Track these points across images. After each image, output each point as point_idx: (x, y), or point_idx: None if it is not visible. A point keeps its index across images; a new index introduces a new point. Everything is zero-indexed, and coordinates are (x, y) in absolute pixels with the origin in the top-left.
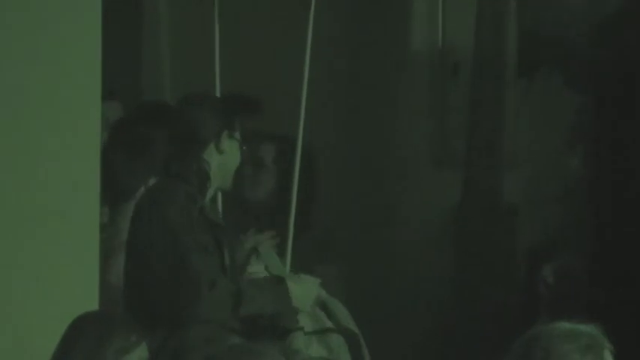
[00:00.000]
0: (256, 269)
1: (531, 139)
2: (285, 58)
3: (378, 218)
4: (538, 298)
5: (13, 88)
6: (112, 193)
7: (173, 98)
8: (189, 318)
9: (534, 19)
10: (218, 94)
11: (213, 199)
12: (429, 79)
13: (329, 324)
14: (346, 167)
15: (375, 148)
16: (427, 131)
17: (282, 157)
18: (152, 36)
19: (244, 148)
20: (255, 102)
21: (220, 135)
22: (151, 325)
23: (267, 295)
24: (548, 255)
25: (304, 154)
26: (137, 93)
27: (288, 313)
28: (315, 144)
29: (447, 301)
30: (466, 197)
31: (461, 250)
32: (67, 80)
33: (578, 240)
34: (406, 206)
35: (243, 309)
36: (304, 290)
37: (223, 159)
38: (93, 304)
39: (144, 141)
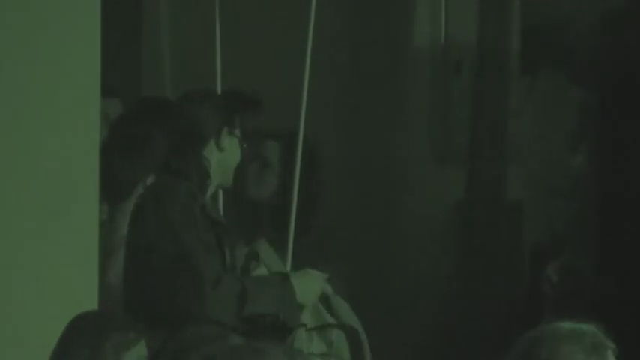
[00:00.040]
0: (260, 272)
1: (534, 136)
2: (287, 54)
3: (380, 216)
4: (542, 297)
5: (12, 86)
6: (112, 190)
7: (173, 95)
8: (192, 317)
9: (538, 16)
10: (219, 92)
11: (214, 197)
12: (431, 76)
13: (330, 319)
14: (348, 164)
15: (377, 145)
16: (430, 128)
17: (289, 157)
18: (152, 33)
19: (245, 145)
20: (255, 99)
21: (220, 132)
22: (152, 325)
23: (272, 293)
24: (552, 252)
25: (307, 153)
26: (138, 90)
27: (292, 311)
28: (317, 141)
29: (450, 299)
30: (469, 194)
31: (464, 246)
32: (66, 77)
33: (582, 237)
34: (409, 203)
35: (248, 308)
36: (309, 286)
37: (223, 156)
38: (92, 303)
39: (144, 137)
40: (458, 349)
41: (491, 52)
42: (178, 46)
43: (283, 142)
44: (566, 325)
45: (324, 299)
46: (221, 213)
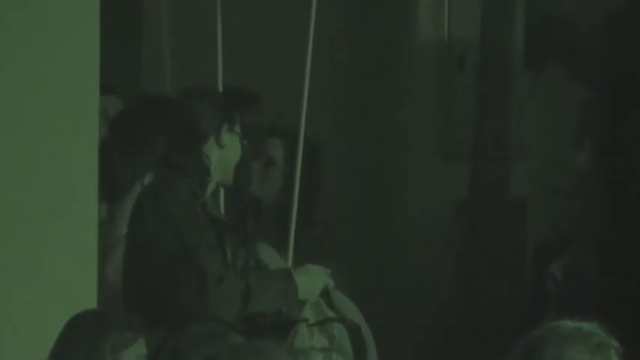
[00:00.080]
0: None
1: (538, 132)
2: (288, 52)
3: (382, 213)
4: (546, 296)
5: (11, 84)
6: (111, 188)
7: (174, 92)
8: (195, 316)
9: (542, 11)
10: (220, 89)
11: (215, 195)
12: (435, 72)
13: (330, 314)
14: (350, 161)
15: (380, 141)
16: (433, 123)
17: (293, 155)
18: (153, 31)
19: (245, 142)
20: (255, 95)
21: (220, 129)
22: (152, 323)
23: (275, 290)
24: (557, 250)
25: (309, 149)
26: (137, 87)
27: (295, 307)
28: (319, 138)
29: (452, 298)
30: (473, 190)
31: (467, 243)
32: (64, 75)
33: (587, 235)
34: (412, 199)
35: (252, 306)
36: (311, 281)
37: (224, 153)
38: (91, 302)
39: (143, 134)
40: (462, 346)
41: (495, 48)
42: (179, 40)
43: (287, 140)
44: (569, 324)
45: (325, 294)
46: (222, 211)
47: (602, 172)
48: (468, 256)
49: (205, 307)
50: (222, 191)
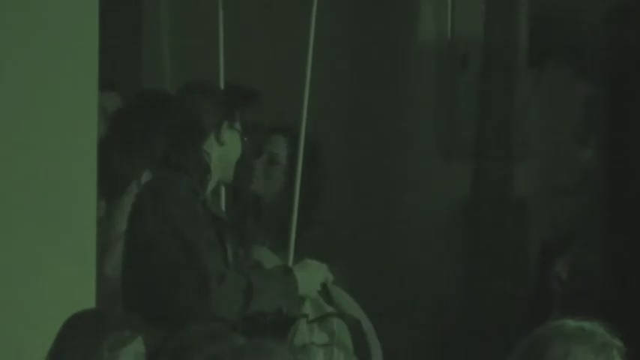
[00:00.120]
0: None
1: (542, 130)
2: (289, 51)
3: (383, 213)
4: (550, 294)
5: (10, 81)
6: (109, 185)
7: (173, 88)
8: (197, 315)
9: (545, 8)
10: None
11: (216, 193)
12: (437, 70)
13: (329, 309)
14: (352, 160)
15: (382, 141)
16: (435, 123)
17: (296, 154)
18: (152, 29)
19: (245, 139)
20: (255, 92)
21: (221, 126)
22: (153, 323)
23: (276, 287)
24: (560, 249)
25: (311, 150)
26: (137, 84)
27: (295, 304)
28: (320, 137)
29: (453, 297)
30: (475, 189)
31: (470, 243)
32: (62, 71)
33: (591, 233)
34: (414, 199)
35: (254, 304)
36: (311, 276)
37: (224, 150)
38: (90, 301)
39: (143, 131)
40: (460, 348)
41: (499, 46)
42: (179, 38)
43: (290, 138)
44: (571, 323)
45: (323, 289)
46: (223, 209)
47: (608, 169)
48: (470, 255)
49: (207, 306)
50: (223, 189)
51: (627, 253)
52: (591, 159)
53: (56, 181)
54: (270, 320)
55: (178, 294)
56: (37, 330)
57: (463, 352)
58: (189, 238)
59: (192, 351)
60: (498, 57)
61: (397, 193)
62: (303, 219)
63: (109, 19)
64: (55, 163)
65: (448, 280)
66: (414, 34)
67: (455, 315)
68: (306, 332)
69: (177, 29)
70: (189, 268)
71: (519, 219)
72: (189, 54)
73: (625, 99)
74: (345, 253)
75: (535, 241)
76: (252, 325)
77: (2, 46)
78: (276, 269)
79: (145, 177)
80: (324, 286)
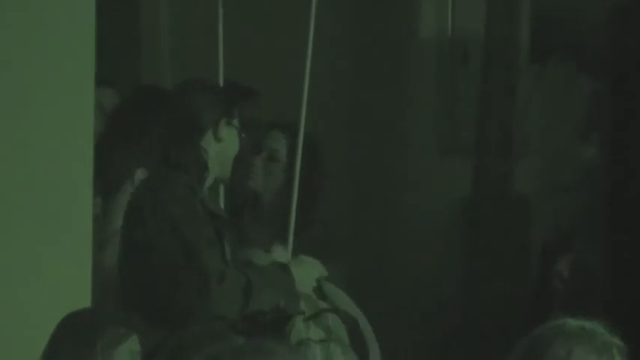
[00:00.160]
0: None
1: (543, 128)
2: (289, 49)
3: (383, 212)
4: (551, 293)
5: (4, 77)
6: (105, 182)
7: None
8: (197, 315)
9: (547, 4)
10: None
11: (215, 190)
12: (437, 70)
13: (322, 305)
14: (351, 159)
15: (382, 139)
16: (436, 121)
17: (295, 152)
18: (151, 25)
19: (243, 135)
20: (253, 88)
21: (218, 122)
22: (151, 323)
23: (274, 284)
24: (561, 248)
25: (310, 148)
26: (134, 79)
27: (293, 300)
28: (320, 135)
29: (453, 297)
30: (476, 188)
31: (470, 243)
32: (59, 68)
33: (593, 231)
34: (414, 198)
35: (254, 303)
36: (307, 273)
37: (222, 147)
38: (86, 298)
39: (140, 126)
40: (460, 348)
41: (500, 42)
42: (178, 35)
43: (289, 134)
44: (572, 323)
45: (317, 286)
46: (221, 207)
47: (610, 166)
48: (470, 255)
49: (207, 305)
50: (222, 187)
51: (629, 251)
52: (593, 156)
53: (52, 178)
54: (269, 319)
55: (178, 293)
56: (31, 328)
57: (463, 352)
58: (189, 238)
59: (191, 351)
60: (499, 54)
61: (397, 192)
62: (303, 218)
63: (107, 14)
64: (51, 160)
65: (448, 280)
66: (414, 33)
67: (455, 315)
68: (303, 329)
69: (176, 27)
70: (189, 268)
71: (520, 218)
72: (188, 52)
73: (626, 97)
74: (345, 252)
75: (536, 240)
76: (251, 325)
77: None
78: (273, 266)
79: (140, 173)
80: (317, 282)
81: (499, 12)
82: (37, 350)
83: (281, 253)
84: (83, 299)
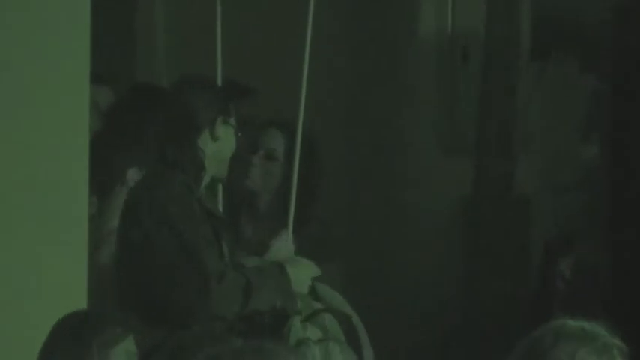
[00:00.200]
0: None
1: (544, 127)
2: (288, 47)
3: (382, 210)
4: (551, 293)
5: (3, 77)
6: (101, 181)
7: (168, 83)
8: (196, 314)
9: (547, 4)
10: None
11: (212, 190)
12: (437, 68)
13: (317, 305)
14: (351, 158)
15: (381, 137)
16: (436, 120)
17: (292, 150)
18: (147, 23)
19: (239, 134)
20: (250, 87)
21: (215, 121)
22: (151, 324)
23: (272, 284)
24: (561, 247)
25: (308, 146)
26: (131, 78)
27: (291, 301)
28: (318, 133)
29: (453, 297)
30: (476, 187)
31: (470, 242)
32: (54, 67)
33: (594, 231)
34: (414, 197)
35: (253, 302)
36: (302, 273)
37: (218, 146)
38: (82, 298)
39: (136, 124)
40: (460, 348)
41: (500, 41)
42: (174, 40)
43: (287, 132)
44: (572, 323)
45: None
46: (219, 206)
47: (610, 166)
48: (470, 255)
49: (207, 305)
50: (220, 186)
51: (629, 251)
52: (593, 156)
53: (47, 177)
54: (267, 320)
55: (177, 293)
56: (27, 328)
57: (463, 352)
58: (187, 237)
59: (190, 351)
60: (500, 52)
61: (396, 191)
62: (300, 216)
63: (103, 14)
64: (46, 159)
65: (448, 279)
66: (414, 31)
67: (455, 315)
68: (300, 330)
69: (172, 25)
70: (188, 267)
71: (520, 218)
72: (184, 50)
73: (626, 97)
74: (344, 251)
75: (536, 240)
76: (249, 326)
77: None
78: (270, 266)
79: (136, 173)
80: (311, 285)
81: (499, 11)
82: (33, 350)
83: (285, 243)
84: (80, 299)
